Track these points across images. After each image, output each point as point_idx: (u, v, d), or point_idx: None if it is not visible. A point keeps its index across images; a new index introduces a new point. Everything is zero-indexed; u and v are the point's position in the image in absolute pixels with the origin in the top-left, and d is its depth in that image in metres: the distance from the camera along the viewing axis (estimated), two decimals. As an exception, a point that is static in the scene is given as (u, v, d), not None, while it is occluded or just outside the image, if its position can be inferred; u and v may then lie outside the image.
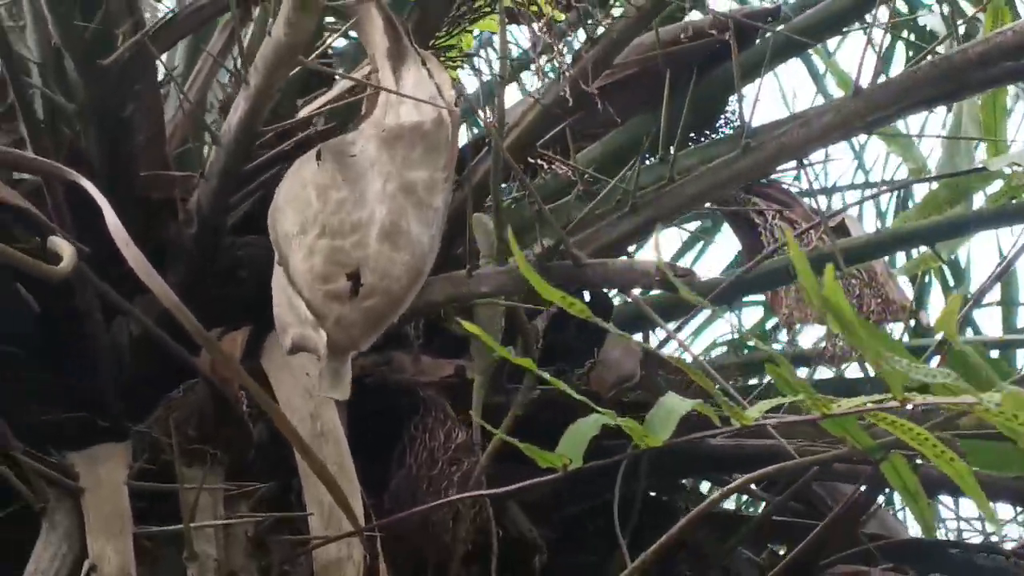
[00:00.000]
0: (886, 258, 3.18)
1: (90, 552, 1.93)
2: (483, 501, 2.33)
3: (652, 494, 2.77)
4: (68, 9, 2.28)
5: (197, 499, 2.06)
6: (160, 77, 2.59)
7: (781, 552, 2.90)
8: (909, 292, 3.27)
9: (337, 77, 2.35)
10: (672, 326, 3.11)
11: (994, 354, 3.61)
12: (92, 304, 2.30)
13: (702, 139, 2.94)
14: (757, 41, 2.74)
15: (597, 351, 2.63)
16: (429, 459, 2.38)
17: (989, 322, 5.52)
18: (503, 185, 2.87)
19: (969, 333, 3.84)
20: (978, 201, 3.06)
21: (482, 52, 3.12)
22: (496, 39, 2.23)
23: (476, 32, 2.54)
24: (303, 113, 2.47)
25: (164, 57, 3.10)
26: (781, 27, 2.69)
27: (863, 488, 2.56)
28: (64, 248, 1.96)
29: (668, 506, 2.79)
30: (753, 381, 3.34)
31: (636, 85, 2.77)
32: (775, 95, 3.49)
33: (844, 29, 2.87)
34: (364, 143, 2.04)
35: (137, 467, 2.18)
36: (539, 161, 2.68)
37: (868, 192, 3.55)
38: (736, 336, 3.56)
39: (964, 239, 3.16)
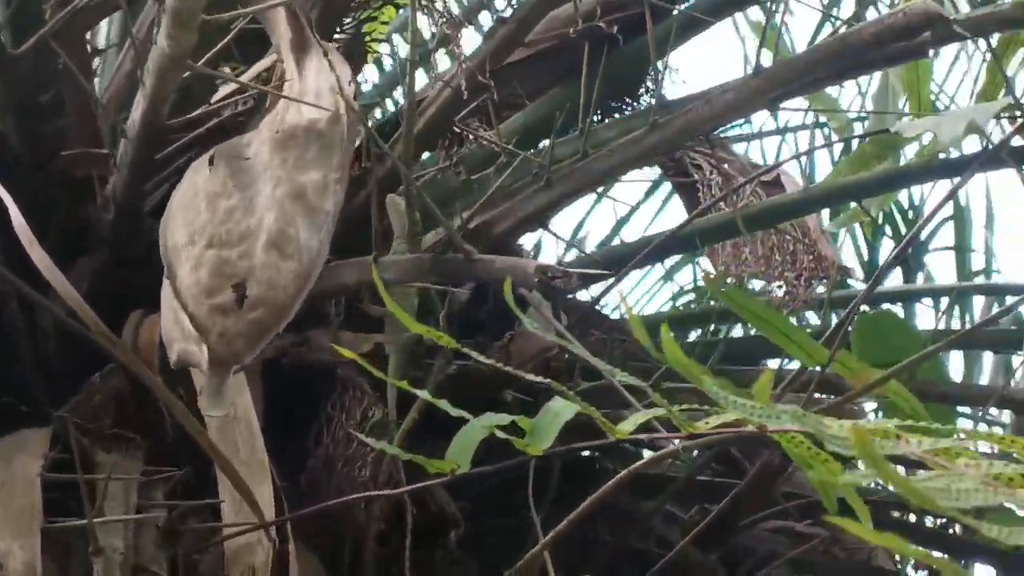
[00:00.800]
0: (817, 215, 3.17)
1: (-2, 552, 1.96)
2: (398, 478, 2.37)
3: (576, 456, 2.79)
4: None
5: (106, 489, 2.09)
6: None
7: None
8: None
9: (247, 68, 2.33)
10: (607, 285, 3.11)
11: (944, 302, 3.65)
12: (7, 293, 2.31)
13: (626, 109, 2.93)
14: (674, 12, 2.72)
15: (517, 323, 2.65)
16: (345, 438, 2.42)
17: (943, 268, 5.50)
18: (428, 154, 2.88)
19: (920, 279, 3.86)
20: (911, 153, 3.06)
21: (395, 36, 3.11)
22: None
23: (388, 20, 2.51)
24: (219, 95, 2.47)
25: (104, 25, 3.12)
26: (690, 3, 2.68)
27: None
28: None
29: (590, 467, 2.82)
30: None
31: (556, 57, 2.77)
32: (708, 61, 3.45)
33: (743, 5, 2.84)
34: (258, 146, 2.05)
35: (53, 456, 2.19)
36: (465, 131, 2.67)
37: (798, 151, 3.53)
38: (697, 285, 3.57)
39: (893, 194, 3.16)
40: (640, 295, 3.81)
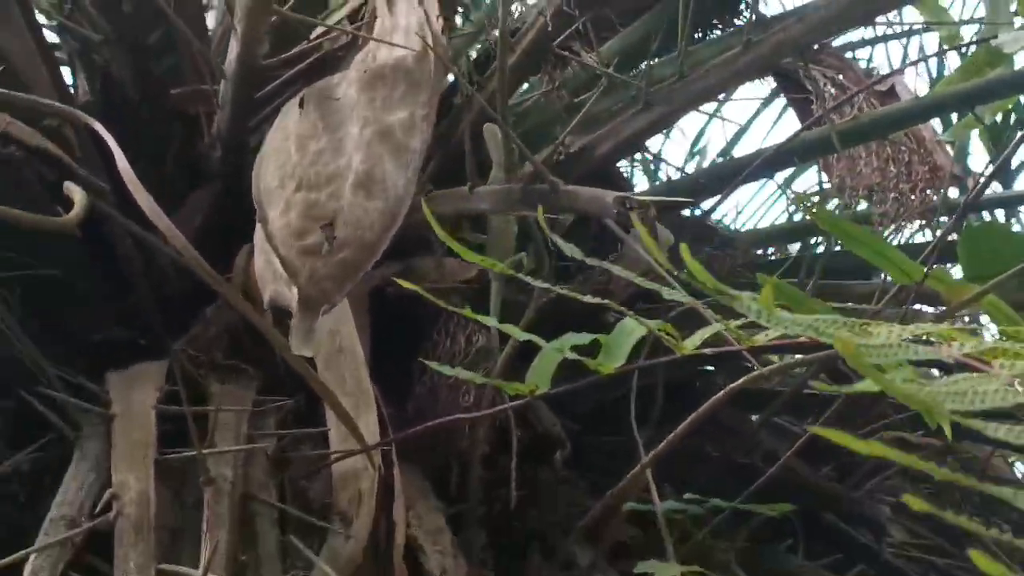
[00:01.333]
0: (931, 123, 3.11)
1: (113, 480, 2.05)
2: (502, 401, 2.42)
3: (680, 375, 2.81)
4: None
5: (215, 420, 2.18)
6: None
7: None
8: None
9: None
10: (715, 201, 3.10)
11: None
12: (122, 231, 2.39)
13: (726, 28, 2.90)
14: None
15: (620, 245, 2.66)
16: (449, 364, 2.46)
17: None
18: (533, 78, 2.89)
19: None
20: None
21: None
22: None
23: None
24: (317, 31, 2.50)
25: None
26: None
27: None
28: (75, 193, 2.07)
29: (692, 385, 2.84)
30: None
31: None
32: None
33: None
34: (347, 86, 2.08)
35: (169, 388, 2.28)
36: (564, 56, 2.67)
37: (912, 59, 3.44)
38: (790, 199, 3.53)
39: (1005, 102, 3.08)
40: (756, 207, 3.76)
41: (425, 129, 2.04)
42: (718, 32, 2.89)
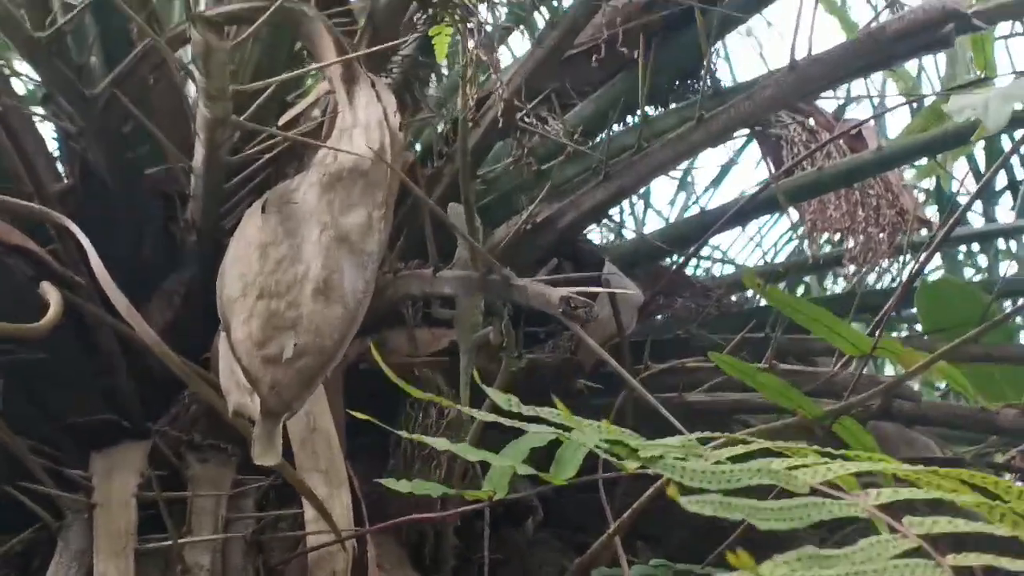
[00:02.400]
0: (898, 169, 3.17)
1: (95, 572, 2.13)
2: (472, 469, 2.49)
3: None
4: (51, 51, 2.40)
5: (192, 505, 2.26)
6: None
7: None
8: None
9: (311, 78, 2.43)
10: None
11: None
12: (101, 320, 2.47)
13: (688, 89, 2.96)
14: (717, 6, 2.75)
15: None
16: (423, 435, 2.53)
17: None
18: (499, 144, 2.95)
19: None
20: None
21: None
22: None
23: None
24: (285, 118, 2.57)
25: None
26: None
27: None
28: (51, 294, 2.15)
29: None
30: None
31: (610, 52, 2.81)
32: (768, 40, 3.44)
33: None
34: (306, 189, 2.14)
35: (151, 471, 2.36)
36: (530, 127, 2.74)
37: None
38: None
39: (967, 148, 3.14)
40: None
41: (382, 229, 2.10)
42: (674, 106, 2.96)
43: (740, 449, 1.45)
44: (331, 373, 2.06)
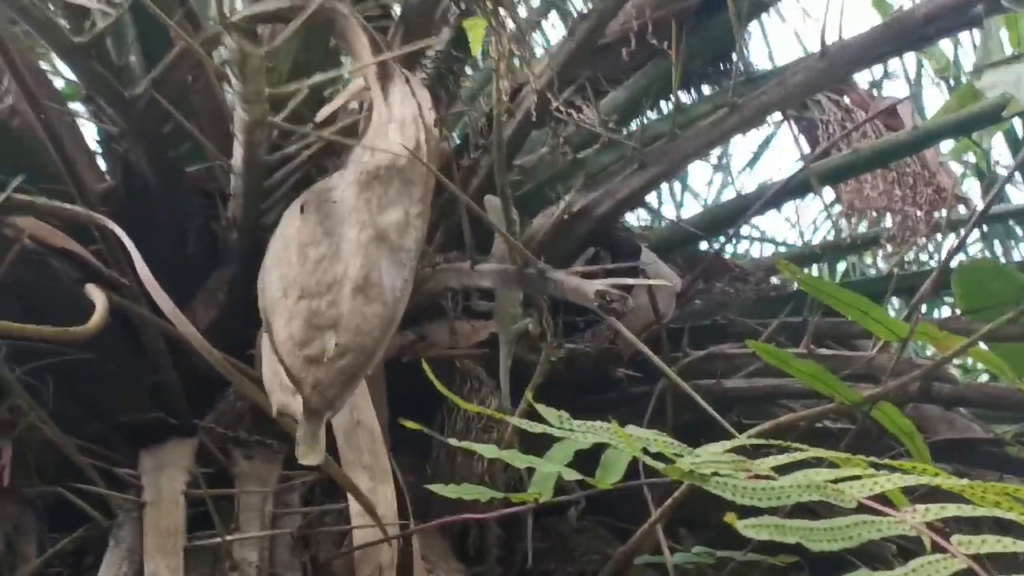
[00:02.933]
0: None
1: (145, 570, 2.16)
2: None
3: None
4: (90, 54, 2.42)
5: (240, 502, 2.29)
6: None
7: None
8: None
9: (347, 75, 2.44)
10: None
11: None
12: (146, 320, 2.49)
13: (720, 74, 2.97)
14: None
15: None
16: (464, 428, 2.56)
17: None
18: (535, 133, 2.95)
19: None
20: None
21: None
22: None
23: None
24: (323, 113, 2.58)
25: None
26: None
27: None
28: (96, 296, 2.17)
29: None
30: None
31: (644, 37, 2.81)
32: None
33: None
34: (344, 188, 2.15)
35: (199, 468, 2.39)
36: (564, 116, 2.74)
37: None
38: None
39: (1003, 124, 3.13)
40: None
41: (420, 226, 2.11)
42: (707, 88, 2.96)
43: (785, 458, 1.46)
44: (373, 369, 2.08)
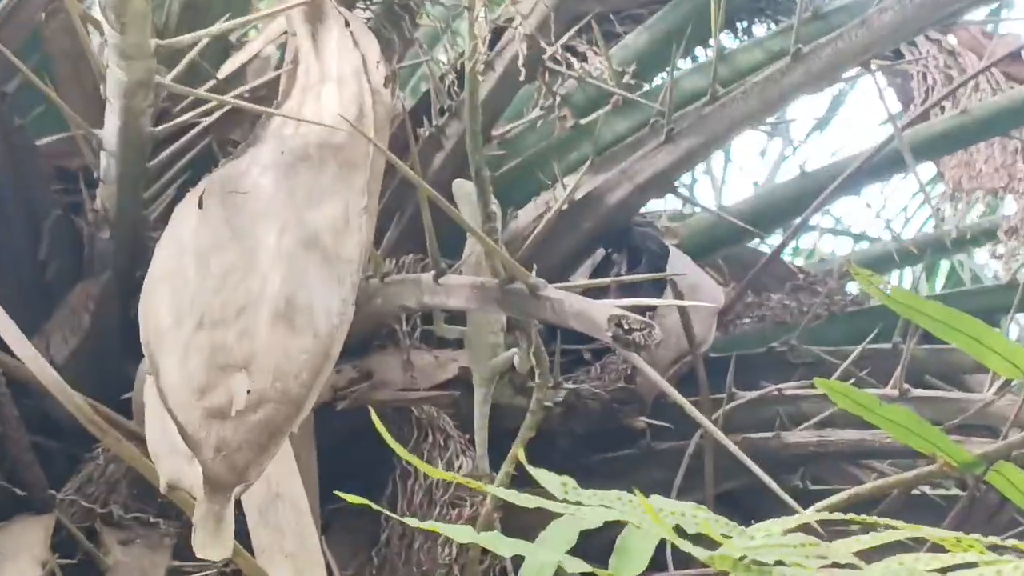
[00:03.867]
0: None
1: None
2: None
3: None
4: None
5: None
6: None
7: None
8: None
9: (258, 28, 2.46)
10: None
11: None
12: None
13: (777, 9, 2.99)
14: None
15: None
16: (426, 500, 2.57)
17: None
18: (523, 91, 2.97)
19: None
20: None
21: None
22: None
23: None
24: (228, 66, 2.60)
25: None
26: None
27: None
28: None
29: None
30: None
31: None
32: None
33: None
34: (259, 173, 2.16)
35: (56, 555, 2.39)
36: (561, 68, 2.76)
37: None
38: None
39: None
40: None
41: (364, 226, 2.12)
42: (761, 25, 2.98)
43: (872, 539, 1.48)
44: (299, 423, 2.09)
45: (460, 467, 2.58)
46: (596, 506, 1.64)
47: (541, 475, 1.66)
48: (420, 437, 2.61)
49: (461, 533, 1.83)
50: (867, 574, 1.36)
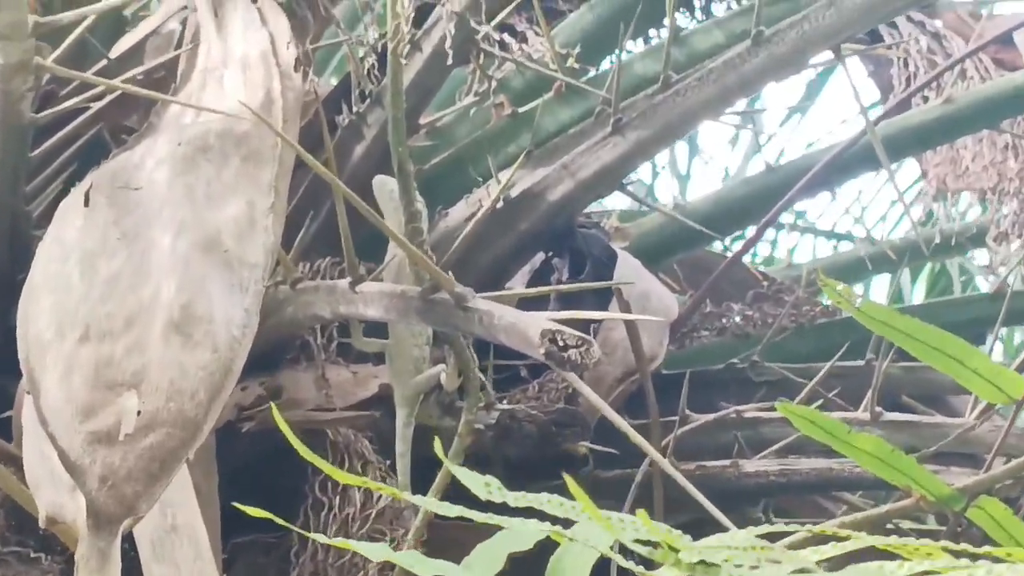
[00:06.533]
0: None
1: None
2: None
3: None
4: None
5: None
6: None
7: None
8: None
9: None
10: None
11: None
12: None
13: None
14: None
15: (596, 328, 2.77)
16: (342, 533, 2.58)
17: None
18: (454, 74, 2.98)
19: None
20: None
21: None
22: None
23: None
24: (120, 48, 2.61)
25: None
26: None
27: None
28: None
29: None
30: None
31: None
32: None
33: None
34: (153, 167, 2.17)
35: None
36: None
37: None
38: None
39: None
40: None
41: (270, 227, 2.13)
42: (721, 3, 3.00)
43: (833, 549, 1.51)
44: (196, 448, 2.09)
45: (379, 498, 2.59)
46: (525, 510, 1.65)
47: (462, 473, 1.67)
48: (335, 462, 2.61)
49: (377, 552, 1.84)
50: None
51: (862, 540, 1.53)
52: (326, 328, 2.72)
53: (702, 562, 1.43)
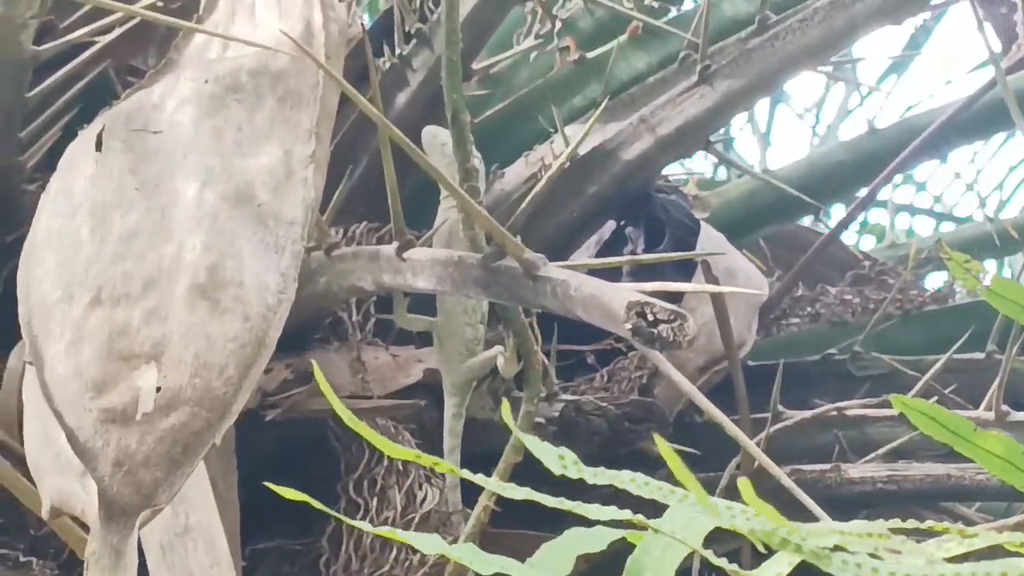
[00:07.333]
0: None
1: None
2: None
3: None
4: None
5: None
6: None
7: None
8: None
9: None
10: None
11: None
12: None
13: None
14: None
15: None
16: (380, 544, 2.58)
17: None
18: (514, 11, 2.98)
19: None
20: None
21: None
22: None
23: None
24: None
25: None
26: None
27: None
28: None
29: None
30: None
31: None
32: None
33: None
34: (176, 106, 2.17)
35: None
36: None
37: None
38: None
39: None
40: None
41: (310, 178, 2.13)
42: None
43: (958, 545, 1.51)
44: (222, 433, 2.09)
45: (424, 499, 2.59)
46: (607, 487, 1.65)
47: (533, 443, 1.67)
48: (372, 460, 2.61)
49: (430, 544, 1.84)
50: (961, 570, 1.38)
51: (991, 538, 1.54)
52: (361, 304, 2.71)
53: (837, 547, 1.43)
